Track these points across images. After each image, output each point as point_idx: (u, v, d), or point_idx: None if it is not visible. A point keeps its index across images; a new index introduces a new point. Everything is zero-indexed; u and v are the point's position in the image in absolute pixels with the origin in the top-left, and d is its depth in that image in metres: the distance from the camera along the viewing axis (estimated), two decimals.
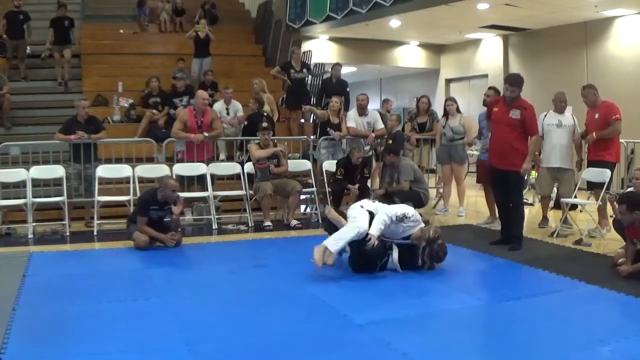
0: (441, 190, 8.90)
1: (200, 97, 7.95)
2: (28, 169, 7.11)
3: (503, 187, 6.16)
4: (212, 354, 3.40)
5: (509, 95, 5.97)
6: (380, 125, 8.53)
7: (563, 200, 7.04)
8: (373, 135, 8.37)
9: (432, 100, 9.77)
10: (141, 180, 7.40)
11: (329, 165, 8.14)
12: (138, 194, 6.82)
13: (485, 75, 13.22)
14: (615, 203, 5.63)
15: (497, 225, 6.92)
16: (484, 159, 7.31)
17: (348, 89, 10.01)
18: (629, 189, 6.10)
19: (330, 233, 5.15)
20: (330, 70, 10.40)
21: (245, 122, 8.70)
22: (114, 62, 11.05)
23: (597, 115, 6.86)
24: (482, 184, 7.84)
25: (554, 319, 3.96)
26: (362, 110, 8.48)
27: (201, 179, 7.66)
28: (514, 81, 6.02)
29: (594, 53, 11.02)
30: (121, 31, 11.93)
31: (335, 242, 4.84)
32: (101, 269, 5.39)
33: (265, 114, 8.66)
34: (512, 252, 5.90)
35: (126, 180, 7.35)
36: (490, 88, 7.78)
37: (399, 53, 14.55)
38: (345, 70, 13.58)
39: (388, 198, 7.02)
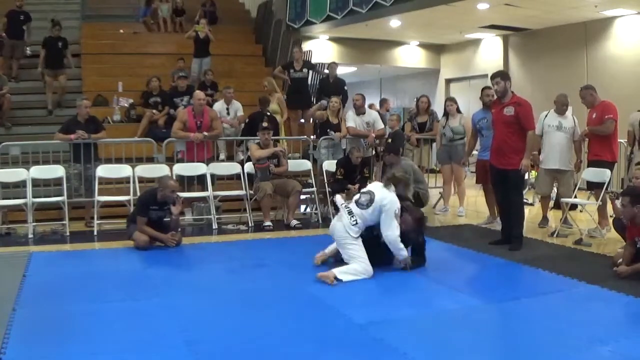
0: (441, 190, 8.90)
1: (196, 97, 7.93)
2: (28, 169, 7.11)
3: (503, 186, 6.17)
4: (212, 354, 3.40)
5: (496, 88, 6.07)
6: (380, 125, 8.52)
7: (563, 200, 7.05)
8: (373, 135, 8.36)
9: (432, 100, 9.76)
10: (141, 180, 7.40)
11: (329, 165, 8.14)
12: (138, 194, 6.82)
13: (485, 75, 13.14)
14: (615, 200, 5.62)
15: (497, 225, 6.93)
16: (483, 158, 7.32)
17: (346, 88, 9.98)
18: None
19: None
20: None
21: (246, 121, 8.69)
22: (114, 62, 11.02)
23: (594, 115, 6.89)
24: (481, 184, 7.85)
25: (554, 319, 3.96)
26: (359, 110, 8.48)
27: (201, 179, 7.66)
28: (494, 74, 6.14)
29: (594, 53, 11.02)
30: (121, 31, 11.92)
31: (346, 275, 4.79)
32: (101, 269, 5.38)
33: (269, 113, 8.64)
34: (512, 252, 5.89)
35: (126, 180, 7.35)
36: (488, 88, 7.78)
37: (399, 53, 14.54)
38: (346, 70, 13.59)
39: None
